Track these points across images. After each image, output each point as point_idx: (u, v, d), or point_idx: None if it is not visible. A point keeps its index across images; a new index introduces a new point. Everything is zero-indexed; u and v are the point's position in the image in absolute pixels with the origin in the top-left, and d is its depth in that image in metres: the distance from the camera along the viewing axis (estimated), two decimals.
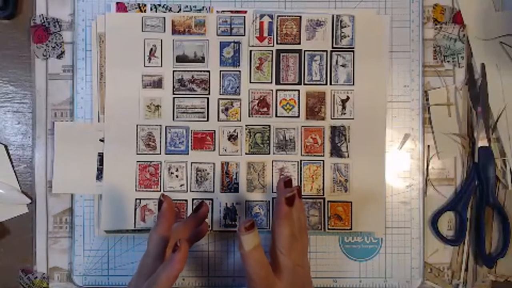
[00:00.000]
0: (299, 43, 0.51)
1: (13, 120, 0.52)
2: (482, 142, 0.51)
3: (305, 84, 0.51)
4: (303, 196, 0.51)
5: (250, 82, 0.51)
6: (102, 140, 0.51)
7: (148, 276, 0.40)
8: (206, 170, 0.51)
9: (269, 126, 0.51)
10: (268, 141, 0.51)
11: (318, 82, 0.51)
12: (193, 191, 0.51)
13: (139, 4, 0.51)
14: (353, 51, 0.51)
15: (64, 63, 0.52)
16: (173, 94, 0.51)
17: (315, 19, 0.51)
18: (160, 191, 0.51)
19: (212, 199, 0.51)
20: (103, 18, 0.51)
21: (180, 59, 0.51)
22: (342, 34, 0.51)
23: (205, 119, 0.51)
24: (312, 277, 0.45)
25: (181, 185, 0.51)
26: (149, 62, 0.51)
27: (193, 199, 0.51)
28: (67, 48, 0.52)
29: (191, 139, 0.51)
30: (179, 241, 0.39)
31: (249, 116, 0.51)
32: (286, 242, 0.41)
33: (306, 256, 0.44)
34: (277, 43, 0.51)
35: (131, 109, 0.51)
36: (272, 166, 0.51)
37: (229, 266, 0.51)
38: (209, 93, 0.51)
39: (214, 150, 0.51)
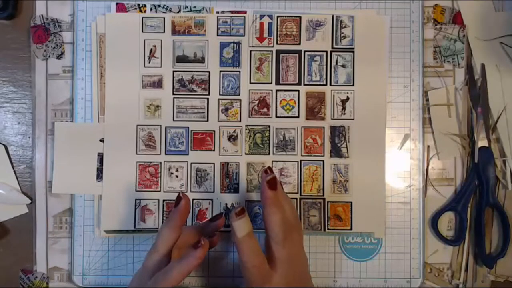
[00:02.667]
0: (299, 44, 0.51)
1: (13, 120, 0.52)
2: (482, 142, 0.51)
3: (305, 84, 0.51)
4: (303, 196, 0.51)
5: (250, 83, 0.51)
6: (102, 140, 0.51)
7: (153, 273, 0.41)
8: (206, 170, 0.51)
9: (269, 126, 0.51)
10: (268, 142, 0.51)
11: (318, 83, 0.51)
12: (193, 191, 0.51)
13: (139, 4, 0.51)
14: (353, 52, 0.51)
15: (64, 63, 0.52)
16: (173, 94, 0.51)
17: (315, 19, 0.51)
18: (160, 191, 0.51)
19: (212, 199, 0.51)
20: (103, 18, 0.51)
21: (180, 59, 0.51)
22: (342, 34, 0.51)
23: (205, 119, 0.51)
24: (312, 277, 0.45)
25: (181, 185, 0.51)
26: (149, 62, 0.51)
27: (193, 199, 0.51)
28: (67, 49, 0.52)
29: (191, 139, 0.51)
30: (203, 239, 0.40)
31: (249, 117, 0.51)
32: (278, 229, 0.41)
33: (302, 248, 0.44)
34: (277, 43, 0.51)
35: (131, 109, 0.51)
36: (272, 166, 0.51)
37: (229, 266, 0.51)
38: (209, 94, 0.51)
39: (214, 150, 0.51)
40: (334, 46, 0.51)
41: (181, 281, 0.40)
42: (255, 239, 0.40)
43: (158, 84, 0.51)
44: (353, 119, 0.51)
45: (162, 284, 0.39)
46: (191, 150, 0.51)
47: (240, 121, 0.51)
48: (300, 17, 0.51)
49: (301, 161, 0.51)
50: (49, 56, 0.52)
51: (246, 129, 0.51)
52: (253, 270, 0.40)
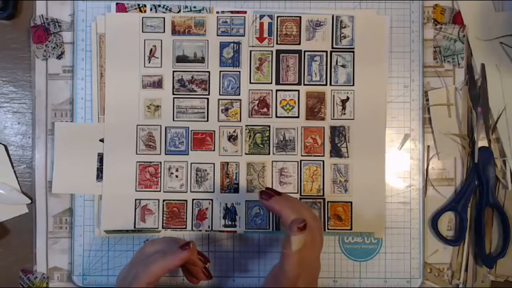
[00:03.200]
0: (299, 44, 0.51)
1: (13, 120, 0.52)
2: (482, 142, 0.51)
3: (305, 84, 0.51)
4: (303, 196, 0.51)
5: (250, 83, 0.51)
6: (102, 140, 0.51)
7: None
8: (206, 170, 0.51)
9: (269, 126, 0.51)
10: (268, 142, 0.51)
11: (318, 83, 0.51)
12: (193, 191, 0.51)
13: (139, 4, 0.51)
14: (353, 52, 0.51)
15: (64, 63, 0.52)
16: (173, 94, 0.51)
17: (315, 19, 0.51)
18: (160, 191, 0.51)
19: (212, 199, 0.51)
20: (103, 18, 0.51)
21: (180, 59, 0.51)
22: (342, 34, 0.51)
23: (205, 119, 0.51)
24: None
25: (181, 185, 0.51)
26: (149, 62, 0.51)
27: (193, 199, 0.51)
28: (67, 49, 0.52)
29: (191, 139, 0.51)
30: (192, 244, 0.41)
31: (249, 117, 0.51)
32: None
33: (320, 253, 0.43)
34: (277, 43, 0.51)
35: (131, 109, 0.51)
36: (272, 166, 0.51)
37: (228, 267, 0.51)
38: (209, 94, 0.51)
39: (214, 150, 0.51)
40: (334, 46, 0.51)
41: (161, 277, 0.40)
42: (305, 251, 0.39)
43: (158, 84, 0.51)
44: (353, 119, 0.51)
45: (142, 277, 0.40)
46: (191, 150, 0.51)
47: (240, 121, 0.51)
48: (300, 17, 0.51)
49: (301, 161, 0.51)
50: (49, 56, 0.52)
51: (246, 129, 0.51)
52: (294, 280, 0.39)
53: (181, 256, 0.41)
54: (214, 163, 0.51)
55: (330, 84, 0.51)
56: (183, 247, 0.41)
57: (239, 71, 0.51)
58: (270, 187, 0.50)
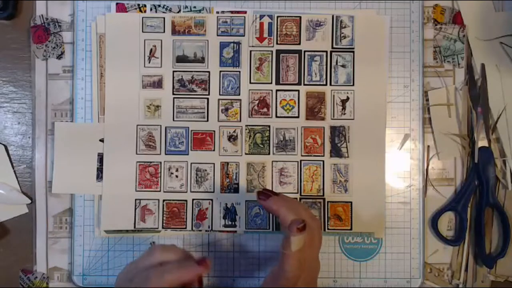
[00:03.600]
0: (299, 44, 0.51)
1: (13, 120, 0.52)
2: (482, 142, 0.51)
3: (305, 84, 0.51)
4: (303, 196, 0.51)
5: (250, 83, 0.51)
6: (102, 140, 0.51)
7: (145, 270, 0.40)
8: (206, 170, 0.51)
9: (269, 126, 0.51)
10: (268, 142, 0.51)
11: (318, 83, 0.51)
12: (193, 192, 0.51)
13: (139, 4, 0.51)
14: (353, 52, 0.51)
15: (64, 63, 0.52)
16: (173, 94, 0.51)
17: (315, 19, 0.51)
18: (160, 191, 0.51)
19: (212, 199, 0.51)
20: (103, 18, 0.51)
21: (180, 59, 0.51)
22: (342, 34, 0.51)
23: (205, 119, 0.51)
24: None
25: (181, 186, 0.51)
26: (149, 62, 0.51)
27: (193, 199, 0.51)
28: (67, 49, 0.52)
29: (191, 139, 0.51)
30: (208, 260, 0.39)
31: (249, 117, 0.51)
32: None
33: (318, 253, 0.43)
34: (277, 43, 0.51)
35: (131, 109, 0.51)
36: (272, 166, 0.51)
37: (228, 267, 0.51)
38: (209, 94, 0.51)
39: (214, 150, 0.51)
40: (334, 46, 0.51)
41: (175, 286, 0.38)
42: (304, 251, 0.39)
43: (158, 84, 0.51)
44: (353, 119, 0.51)
45: (154, 283, 0.38)
46: (191, 150, 0.51)
47: (240, 121, 0.51)
48: (300, 17, 0.51)
49: (301, 161, 0.51)
50: (49, 56, 0.52)
51: (246, 129, 0.51)
52: (293, 281, 0.39)
53: (197, 271, 0.39)
54: (214, 163, 0.51)
55: (330, 84, 0.51)
56: (200, 263, 0.39)
57: (239, 71, 0.51)
58: (270, 187, 0.51)
